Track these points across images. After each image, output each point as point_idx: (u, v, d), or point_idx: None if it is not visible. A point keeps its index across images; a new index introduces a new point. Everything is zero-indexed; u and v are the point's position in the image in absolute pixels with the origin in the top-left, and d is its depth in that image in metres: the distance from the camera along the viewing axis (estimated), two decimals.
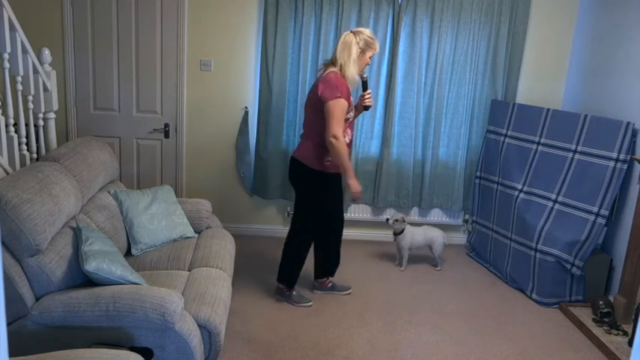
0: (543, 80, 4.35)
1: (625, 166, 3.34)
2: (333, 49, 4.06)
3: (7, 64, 2.70)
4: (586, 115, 3.55)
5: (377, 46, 3.08)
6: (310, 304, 3.34)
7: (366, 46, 3.01)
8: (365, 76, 3.16)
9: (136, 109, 4.20)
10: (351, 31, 3.04)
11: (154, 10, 4.03)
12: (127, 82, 4.14)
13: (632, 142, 3.34)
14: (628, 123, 3.33)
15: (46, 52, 3.11)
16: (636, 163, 3.34)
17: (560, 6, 4.24)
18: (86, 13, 4.01)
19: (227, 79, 4.22)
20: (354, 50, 2.99)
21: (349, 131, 3.11)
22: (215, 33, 4.14)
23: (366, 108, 3.22)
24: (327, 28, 4.05)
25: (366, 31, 3.05)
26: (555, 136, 3.69)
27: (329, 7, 4.03)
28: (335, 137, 2.91)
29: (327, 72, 3.01)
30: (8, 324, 2.13)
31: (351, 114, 3.09)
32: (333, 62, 3.06)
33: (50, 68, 3.14)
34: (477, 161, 4.32)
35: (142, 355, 1.94)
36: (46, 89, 3.08)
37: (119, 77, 4.14)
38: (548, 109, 3.79)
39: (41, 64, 3.05)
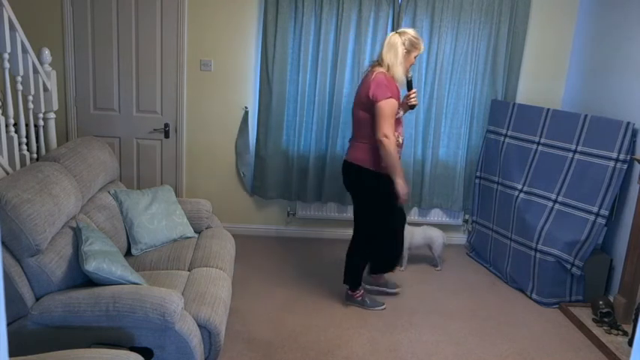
0: (543, 80, 4.35)
1: (625, 166, 3.34)
2: (333, 49, 4.09)
3: (7, 64, 2.70)
4: (586, 115, 3.55)
5: (422, 46, 3.12)
6: (384, 307, 3.36)
7: (412, 46, 3.05)
8: (410, 75, 3.18)
9: (136, 109, 4.20)
10: (396, 32, 3.08)
11: (154, 10, 4.03)
12: (127, 82, 4.14)
13: (632, 142, 3.34)
14: (628, 123, 3.33)
15: (46, 52, 3.11)
16: (636, 163, 3.34)
17: (560, 6, 4.24)
18: (86, 13, 4.01)
19: (227, 79, 4.22)
20: (400, 51, 3.02)
21: (400, 130, 3.14)
22: (215, 33, 4.14)
23: (412, 107, 3.25)
24: (327, 28, 4.05)
25: (411, 32, 3.08)
26: (555, 136, 3.69)
27: (329, 7, 4.03)
28: (386, 136, 2.94)
29: (375, 73, 3.03)
30: (8, 324, 2.13)
31: (401, 113, 3.14)
32: (379, 63, 3.09)
33: (50, 68, 3.14)
34: (477, 161, 4.32)
35: (142, 355, 1.94)
36: (46, 89, 3.08)
37: (119, 77, 4.14)
38: (548, 109, 3.79)
39: (41, 64, 3.05)
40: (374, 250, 3.35)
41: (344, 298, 3.41)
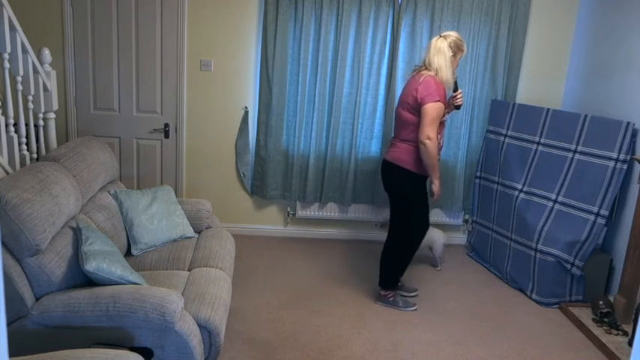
0: (543, 80, 4.35)
1: (625, 166, 3.34)
2: (333, 49, 4.09)
3: (7, 64, 2.70)
4: (586, 115, 3.55)
5: (465, 47, 3.16)
6: (415, 307, 3.39)
7: (457, 48, 3.10)
8: (455, 76, 3.22)
9: (136, 109, 4.20)
10: (441, 35, 3.11)
11: (154, 10, 4.03)
12: (127, 82, 4.15)
13: (632, 142, 3.34)
14: (628, 123, 3.33)
15: (46, 52, 3.11)
16: (636, 163, 3.34)
17: (560, 6, 4.24)
18: (86, 13, 4.01)
19: (227, 79, 4.22)
20: (448, 54, 3.07)
21: (443, 132, 3.18)
22: (215, 33, 4.14)
23: (458, 107, 3.29)
24: (327, 28, 4.05)
25: (455, 34, 3.12)
26: (555, 136, 3.69)
27: (329, 7, 4.03)
28: (429, 138, 3.00)
29: (424, 76, 3.07)
30: (8, 324, 2.13)
31: (446, 116, 3.19)
32: (426, 67, 3.13)
33: (50, 68, 3.14)
34: (477, 161, 4.32)
35: (142, 355, 1.94)
36: (46, 89, 3.08)
37: (119, 77, 4.14)
38: (548, 109, 3.79)
39: (41, 64, 3.06)
40: (411, 253, 3.36)
41: (376, 297, 3.43)
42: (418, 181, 3.17)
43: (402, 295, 3.49)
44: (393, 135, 3.32)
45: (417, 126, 3.06)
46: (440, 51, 3.07)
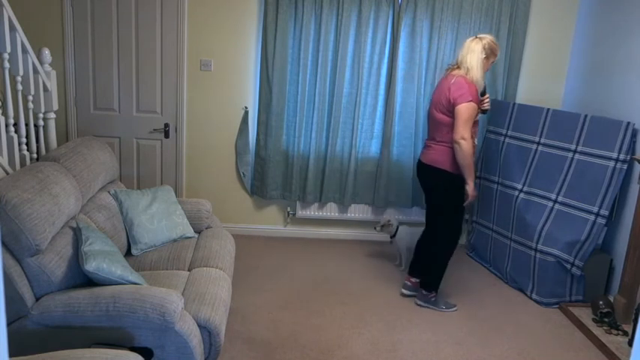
0: (543, 80, 4.35)
1: (625, 166, 3.33)
2: (333, 49, 4.09)
3: (7, 64, 2.70)
4: (586, 115, 3.55)
5: (499, 51, 3.19)
6: (455, 308, 3.40)
7: (491, 51, 3.12)
8: (484, 81, 3.24)
9: (136, 109, 4.20)
10: (476, 37, 3.13)
11: (154, 10, 4.03)
12: (127, 82, 4.15)
13: (632, 142, 3.34)
14: (628, 123, 3.33)
15: (46, 52, 3.11)
16: (636, 163, 3.34)
17: (560, 6, 4.24)
18: (86, 13, 4.01)
19: (227, 79, 4.23)
20: (480, 55, 3.09)
21: (476, 132, 3.19)
22: (215, 33, 4.14)
23: (484, 112, 3.31)
24: (327, 28, 4.05)
25: (490, 37, 3.14)
26: (555, 136, 3.69)
27: (329, 7, 4.03)
28: (463, 139, 3.01)
29: (455, 77, 3.09)
30: (8, 324, 2.13)
31: (478, 117, 3.19)
32: (458, 67, 3.14)
33: (50, 68, 3.14)
34: (476, 161, 4.31)
35: (142, 355, 1.94)
36: (46, 89, 3.08)
37: (119, 77, 4.14)
38: (548, 109, 3.79)
39: (41, 64, 3.05)
40: (451, 253, 3.37)
41: (417, 298, 3.44)
42: (456, 181, 3.16)
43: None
44: (427, 137, 3.34)
45: (452, 127, 3.07)
46: (473, 51, 3.09)
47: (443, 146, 3.16)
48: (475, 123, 3.14)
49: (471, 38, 3.15)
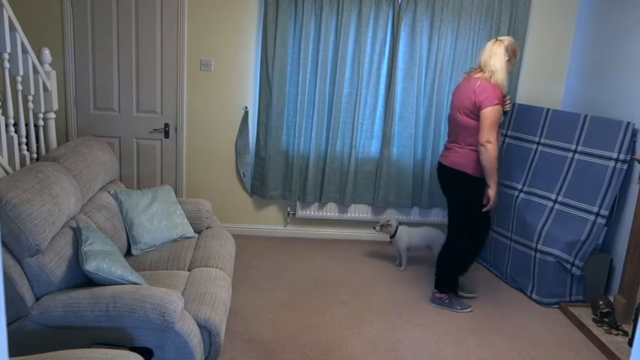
0: (543, 80, 4.35)
1: (625, 166, 3.34)
2: (333, 49, 4.09)
3: (7, 64, 2.70)
4: (586, 115, 3.55)
5: (518, 53, 3.21)
6: (471, 309, 3.40)
7: (512, 53, 3.15)
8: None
9: (136, 109, 4.20)
10: (497, 40, 3.15)
11: (154, 10, 4.03)
12: (127, 82, 4.15)
13: (632, 142, 3.34)
14: (628, 123, 3.33)
15: (46, 52, 3.11)
16: (636, 163, 3.34)
17: (560, 6, 4.24)
18: (86, 13, 4.01)
19: (227, 79, 4.22)
20: (504, 58, 3.11)
21: (499, 135, 3.20)
22: (215, 33, 4.14)
23: (504, 113, 3.30)
24: (327, 28, 4.05)
25: (510, 39, 3.17)
26: (555, 136, 3.69)
27: (329, 7, 4.03)
28: (489, 142, 3.02)
29: (480, 80, 3.10)
30: (8, 324, 2.13)
31: (502, 119, 3.21)
32: (481, 69, 3.15)
33: (50, 68, 3.14)
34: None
35: (142, 355, 1.94)
36: (46, 89, 3.08)
37: (119, 77, 4.14)
38: (548, 109, 3.79)
39: (41, 64, 3.05)
40: (472, 257, 3.38)
41: (430, 300, 3.45)
42: (477, 184, 3.16)
43: (460, 296, 3.51)
44: (447, 139, 3.34)
45: (477, 130, 3.08)
46: (496, 54, 3.11)
47: (467, 149, 3.16)
48: (499, 126, 3.16)
49: (492, 41, 3.16)
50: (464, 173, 3.16)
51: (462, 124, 3.16)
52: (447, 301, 3.39)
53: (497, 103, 3.03)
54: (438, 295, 3.40)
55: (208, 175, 4.38)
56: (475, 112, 3.08)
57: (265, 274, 3.74)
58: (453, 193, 3.30)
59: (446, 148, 3.32)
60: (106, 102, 4.17)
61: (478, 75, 3.14)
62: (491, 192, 3.13)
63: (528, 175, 3.81)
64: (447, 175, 3.27)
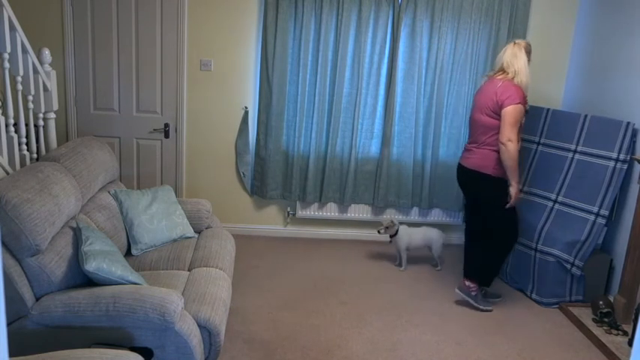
0: (543, 80, 4.35)
1: (625, 166, 3.34)
2: (333, 49, 4.09)
3: (7, 64, 2.70)
4: (586, 115, 3.55)
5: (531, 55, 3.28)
6: (492, 308, 3.41)
7: (529, 54, 3.21)
8: None
9: (136, 109, 4.20)
10: (515, 42, 3.20)
11: (154, 10, 4.03)
12: (127, 82, 4.15)
13: (632, 142, 3.34)
14: (628, 123, 3.33)
15: (46, 52, 3.11)
16: (636, 163, 3.34)
17: (560, 6, 4.24)
18: (86, 13, 4.01)
19: (227, 79, 4.22)
20: (525, 58, 3.17)
21: (521, 134, 3.22)
22: (215, 33, 4.14)
23: (526, 112, 3.32)
24: (327, 28, 4.05)
25: (526, 41, 3.24)
26: (555, 136, 3.69)
27: (329, 7, 4.03)
28: (510, 140, 3.05)
29: (503, 80, 3.14)
30: (8, 324, 2.13)
31: (524, 119, 3.23)
32: (503, 71, 3.19)
33: (50, 68, 3.14)
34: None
35: (142, 355, 1.94)
36: (46, 89, 3.08)
37: (119, 77, 4.14)
38: (548, 109, 3.79)
39: (41, 64, 3.05)
40: (509, 250, 3.43)
41: (457, 286, 3.45)
42: (500, 183, 3.18)
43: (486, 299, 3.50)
44: (468, 141, 3.37)
45: (498, 130, 3.10)
46: (518, 56, 3.16)
47: (487, 149, 3.19)
48: (521, 126, 3.18)
49: (510, 45, 3.20)
50: (484, 174, 3.20)
51: (483, 124, 3.19)
52: (474, 293, 3.38)
53: (520, 103, 3.06)
54: (467, 283, 3.39)
55: (208, 175, 4.38)
56: (497, 112, 3.11)
57: (265, 274, 3.74)
58: (475, 194, 3.35)
59: (466, 150, 3.36)
60: (106, 102, 4.17)
61: (501, 76, 3.18)
62: (513, 190, 3.15)
63: (528, 175, 3.81)
64: (468, 177, 3.31)
